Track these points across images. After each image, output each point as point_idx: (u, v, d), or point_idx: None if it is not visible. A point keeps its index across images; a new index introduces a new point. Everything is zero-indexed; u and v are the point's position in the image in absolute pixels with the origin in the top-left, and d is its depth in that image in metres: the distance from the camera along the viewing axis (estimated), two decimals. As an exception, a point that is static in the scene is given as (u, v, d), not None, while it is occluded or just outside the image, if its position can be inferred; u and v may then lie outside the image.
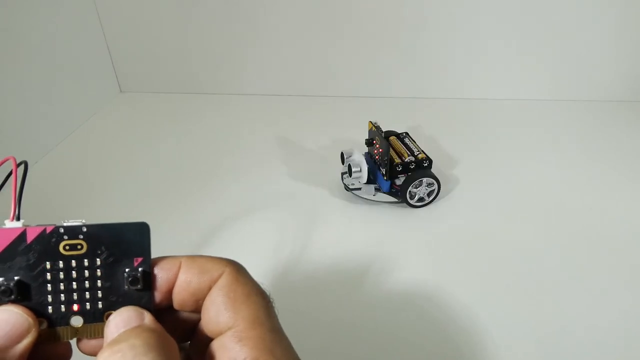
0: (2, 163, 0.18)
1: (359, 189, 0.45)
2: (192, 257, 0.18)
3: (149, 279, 0.17)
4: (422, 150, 0.45)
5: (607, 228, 0.42)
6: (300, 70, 0.69)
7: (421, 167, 0.44)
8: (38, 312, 0.16)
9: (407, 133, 0.49)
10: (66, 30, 0.61)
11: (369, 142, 0.46)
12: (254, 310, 0.17)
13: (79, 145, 0.59)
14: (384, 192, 0.45)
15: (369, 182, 0.45)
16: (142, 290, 0.17)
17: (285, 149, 0.56)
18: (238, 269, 0.18)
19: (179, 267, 0.17)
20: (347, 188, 0.46)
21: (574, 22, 0.60)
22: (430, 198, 0.45)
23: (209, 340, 0.17)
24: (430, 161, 0.44)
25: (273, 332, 0.17)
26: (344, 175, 0.47)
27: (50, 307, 0.16)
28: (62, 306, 0.17)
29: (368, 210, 0.45)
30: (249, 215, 0.45)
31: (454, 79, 0.66)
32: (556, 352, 0.31)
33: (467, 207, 0.46)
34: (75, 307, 0.17)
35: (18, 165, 0.17)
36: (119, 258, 0.17)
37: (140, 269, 0.17)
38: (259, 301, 0.17)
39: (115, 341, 0.15)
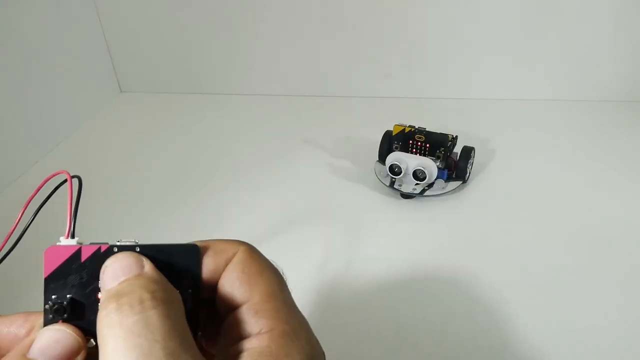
0: (53, 176, 0.18)
1: (424, 190, 0.44)
2: (206, 241, 0.18)
3: (197, 298, 0.17)
4: (442, 132, 0.46)
5: (607, 228, 0.42)
6: (300, 70, 0.68)
7: (453, 145, 0.46)
8: (87, 331, 0.16)
9: (417, 126, 0.48)
10: (66, 30, 0.61)
11: (401, 144, 0.46)
12: (268, 284, 0.17)
13: (79, 145, 0.59)
14: (446, 180, 0.45)
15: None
16: (191, 310, 0.17)
17: (286, 149, 0.56)
18: (251, 248, 0.18)
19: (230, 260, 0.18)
20: (408, 195, 0.45)
21: (574, 22, 0.60)
22: (472, 165, 0.48)
23: (219, 323, 0.18)
24: (457, 137, 0.47)
25: (287, 305, 0.17)
26: (396, 185, 0.45)
27: None
28: None
29: (368, 210, 0.45)
30: (249, 216, 0.45)
31: (454, 79, 0.66)
32: (556, 352, 0.31)
33: (467, 207, 0.45)
34: None
35: (72, 178, 0.17)
36: (170, 278, 0.17)
37: (189, 291, 0.17)
38: (273, 277, 0.17)
39: (118, 293, 0.15)
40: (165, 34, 0.68)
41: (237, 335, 0.16)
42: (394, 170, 0.44)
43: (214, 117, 0.65)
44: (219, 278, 0.17)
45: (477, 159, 0.53)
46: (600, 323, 0.33)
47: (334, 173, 0.51)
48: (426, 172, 0.43)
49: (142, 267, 0.16)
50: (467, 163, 0.45)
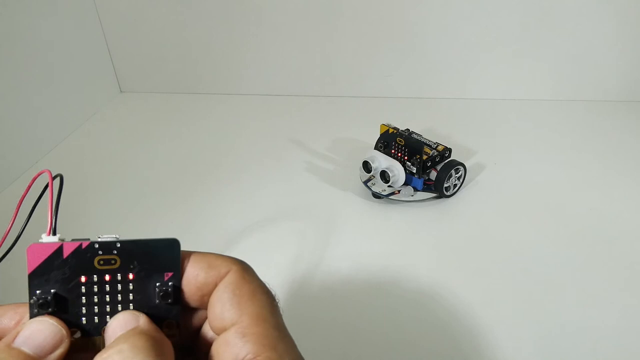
0: (38, 176, 0.18)
1: (393, 193, 0.45)
2: (202, 253, 0.18)
3: (178, 293, 0.18)
4: (437, 142, 0.46)
5: (607, 228, 0.42)
6: (300, 70, 0.69)
7: (443, 157, 0.45)
8: (73, 323, 0.17)
9: (409, 129, 0.49)
10: (66, 30, 0.61)
11: (385, 145, 0.46)
12: (258, 307, 0.17)
13: (79, 145, 0.59)
14: (419, 190, 0.45)
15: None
16: (171, 304, 0.17)
17: (286, 149, 0.56)
18: (245, 268, 0.18)
19: (188, 261, 0.18)
20: (378, 195, 0.45)
21: (574, 22, 0.60)
22: (460, 181, 0.47)
23: (213, 340, 0.18)
24: (450, 150, 0.46)
25: (276, 330, 0.17)
26: (369, 183, 0.46)
27: (84, 319, 0.17)
28: (96, 318, 0.17)
29: (367, 211, 0.45)
30: (249, 216, 0.45)
31: (454, 79, 0.66)
32: (556, 352, 0.31)
33: (466, 207, 0.46)
34: (108, 319, 0.17)
35: (53, 178, 0.18)
36: (150, 273, 0.17)
37: (170, 284, 0.17)
38: (264, 299, 0.17)
39: (107, 347, 0.16)
40: (165, 34, 0.68)
41: (225, 357, 0.16)
42: (367, 167, 0.45)
43: (214, 117, 0.65)
44: (208, 293, 0.18)
45: (477, 158, 0.53)
46: (600, 323, 0.33)
47: (329, 172, 0.51)
48: (392, 175, 0.43)
49: (138, 321, 0.17)
50: (443, 178, 0.44)
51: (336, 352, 0.32)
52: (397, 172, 0.43)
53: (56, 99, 0.59)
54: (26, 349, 0.16)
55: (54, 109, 0.59)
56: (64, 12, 0.60)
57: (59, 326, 0.16)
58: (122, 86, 0.73)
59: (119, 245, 0.17)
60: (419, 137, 0.47)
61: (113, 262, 0.17)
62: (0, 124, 0.51)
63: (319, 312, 0.35)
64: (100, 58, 0.69)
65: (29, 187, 0.18)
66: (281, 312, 0.18)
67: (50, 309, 0.17)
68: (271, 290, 0.18)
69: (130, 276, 0.17)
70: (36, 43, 0.55)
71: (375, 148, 0.47)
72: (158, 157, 0.56)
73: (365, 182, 0.46)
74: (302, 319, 0.34)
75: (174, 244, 0.17)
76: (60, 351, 0.16)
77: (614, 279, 0.37)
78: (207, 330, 0.18)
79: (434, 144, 0.46)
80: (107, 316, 0.17)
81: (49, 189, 0.18)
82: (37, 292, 0.17)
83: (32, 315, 0.17)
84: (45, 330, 0.16)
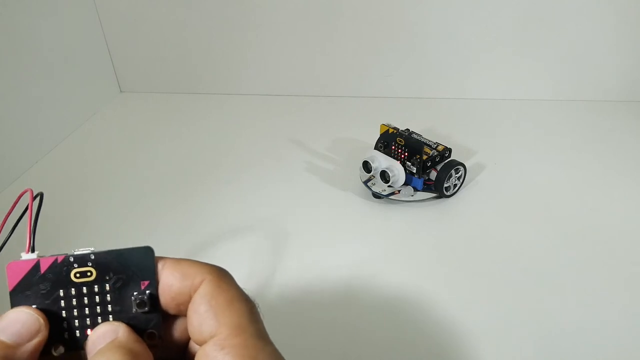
0: (21, 196, 0.19)
1: (393, 193, 0.45)
2: (178, 260, 0.18)
3: (156, 301, 0.17)
4: (437, 142, 0.46)
5: (607, 228, 0.42)
6: (300, 70, 0.68)
7: (444, 157, 0.45)
8: (55, 338, 0.17)
9: (409, 129, 0.49)
10: (66, 30, 0.61)
11: (385, 145, 0.46)
12: (236, 317, 0.16)
13: (79, 145, 0.59)
14: (419, 190, 0.45)
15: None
16: (149, 312, 0.17)
17: (286, 149, 0.56)
18: (220, 276, 0.18)
19: (163, 269, 0.18)
20: (378, 195, 0.45)
21: (574, 22, 0.60)
22: (461, 181, 0.47)
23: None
24: (450, 150, 0.46)
25: (256, 338, 0.16)
26: (369, 183, 0.46)
27: (66, 333, 0.17)
28: (77, 331, 0.17)
29: (367, 211, 0.45)
30: (249, 216, 0.45)
31: (453, 79, 0.66)
32: (557, 352, 0.31)
33: (466, 207, 0.46)
34: (89, 332, 0.17)
35: (35, 197, 0.19)
36: (126, 282, 0.17)
37: (147, 292, 0.17)
38: (242, 307, 0.17)
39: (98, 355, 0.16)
40: (165, 34, 0.68)
41: None
42: (367, 167, 0.45)
43: (214, 117, 0.65)
44: (184, 303, 0.17)
45: (477, 158, 0.53)
46: (600, 323, 0.33)
47: (329, 172, 0.51)
48: (392, 175, 0.43)
49: (117, 333, 0.17)
50: (444, 178, 0.44)
51: (335, 353, 0.32)
52: (397, 172, 0.43)
53: (56, 99, 0.59)
54: (3, 337, 0.16)
55: (54, 109, 0.59)
56: (64, 12, 0.60)
57: (36, 315, 0.16)
58: (122, 86, 0.73)
59: (92, 257, 0.17)
60: (419, 137, 0.47)
61: (89, 274, 0.17)
62: (0, 123, 0.51)
63: (318, 313, 0.35)
64: (100, 58, 0.69)
65: (14, 205, 0.19)
66: (262, 317, 0.17)
67: None
68: (250, 296, 0.18)
69: (107, 287, 0.17)
70: (36, 43, 0.55)
71: (375, 148, 0.47)
72: (158, 157, 0.56)
73: (366, 182, 0.46)
74: (301, 320, 0.34)
75: (147, 251, 0.17)
76: (37, 339, 0.16)
77: (614, 279, 0.37)
78: (193, 344, 0.18)
79: (434, 144, 0.46)
80: (88, 329, 0.17)
81: (28, 210, 0.18)
82: None
83: None
84: (21, 318, 0.16)
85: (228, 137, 0.60)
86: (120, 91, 0.73)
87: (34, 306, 0.17)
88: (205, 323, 0.16)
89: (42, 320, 0.16)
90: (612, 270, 0.38)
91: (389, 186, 0.45)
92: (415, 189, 0.45)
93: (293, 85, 0.70)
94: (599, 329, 0.33)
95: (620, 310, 0.34)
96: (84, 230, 0.43)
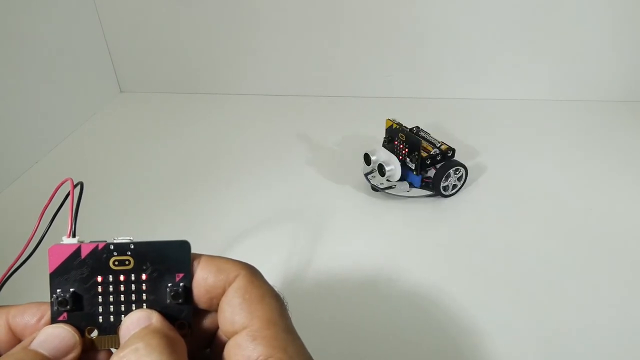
0: (62, 184, 0.20)
1: (390, 187, 0.45)
2: (212, 256, 0.19)
3: (189, 293, 0.18)
4: (442, 142, 0.46)
5: (607, 228, 0.42)
6: (300, 70, 0.69)
7: (446, 157, 0.45)
8: (89, 321, 0.18)
9: (418, 127, 0.48)
10: (66, 30, 0.61)
11: (389, 140, 0.46)
12: (268, 311, 0.17)
13: (79, 145, 0.59)
14: (416, 187, 0.45)
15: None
16: (182, 304, 0.18)
17: (286, 149, 0.56)
18: (253, 272, 0.19)
19: (198, 263, 0.18)
20: (375, 188, 0.46)
21: (574, 22, 0.60)
22: (461, 182, 0.46)
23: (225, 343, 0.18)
24: (454, 150, 0.45)
25: (286, 332, 0.17)
26: (370, 176, 0.46)
27: (100, 317, 0.18)
28: (111, 317, 0.18)
29: (367, 211, 0.45)
30: (249, 215, 0.45)
31: (453, 79, 0.66)
32: (556, 352, 0.31)
33: (466, 207, 0.46)
34: (123, 318, 0.18)
35: (75, 186, 0.20)
36: (162, 273, 0.18)
37: (181, 284, 0.18)
38: (273, 303, 0.18)
39: (122, 346, 0.16)
40: (165, 34, 0.68)
41: None
42: (367, 159, 0.46)
43: (214, 117, 0.65)
44: (217, 296, 0.18)
45: (477, 158, 0.53)
46: (600, 323, 0.33)
47: (329, 172, 0.51)
48: (388, 169, 0.44)
49: (151, 319, 0.17)
50: (441, 177, 0.44)
51: (333, 349, 0.32)
52: (394, 166, 0.44)
53: (56, 99, 0.59)
54: (43, 351, 0.16)
55: (54, 109, 0.59)
56: (64, 12, 0.60)
57: (72, 332, 0.17)
58: (122, 86, 0.73)
59: (132, 246, 0.18)
60: (425, 135, 0.47)
61: (127, 262, 0.18)
62: (0, 123, 0.51)
63: (318, 309, 0.35)
64: (100, 58, 0.69)
65: (53, 195, 0.20)
66: (290, 314, 0.18)
67: (68, 307, 0.17)
68: (280, 293, 0.19)
69: (144, 276, 0.18)
70: (36, 43, 0.55)
71: (383, 143, 0.47)
72: (158, 157, 0.56)
73: (367, 175, 0.47)
74: (301, 317, 0.34)
75: (184, 245, 0.18)
76: (73, 355, 0.17)
77: (614, 279, 0.37)
78: (222, 335, 0.19)
79: (439, 142, 0.46)
80: (122, 315, 0.18)
81: (70, 194, 0.19)
82: (58, 290, 0.17)
83: (52, 313, 0.17)
84: (59, 334, 0.17)
85: (228, 137, 0.60)
86: (120, 91, 0.73)
87: (71, 290, 0.17)
88: (239, 315, 0.17)
89: (77, 337, 0.17)
90: (612, 269, 0.38)
91: (386, 180, 0.45)
92: (412, 185, 0.45)
93: (293, 85, 0.70)
94: (599, 329, 0.33)
95: (620, 310, 0.34)
96: (85, 229, 0.43)
